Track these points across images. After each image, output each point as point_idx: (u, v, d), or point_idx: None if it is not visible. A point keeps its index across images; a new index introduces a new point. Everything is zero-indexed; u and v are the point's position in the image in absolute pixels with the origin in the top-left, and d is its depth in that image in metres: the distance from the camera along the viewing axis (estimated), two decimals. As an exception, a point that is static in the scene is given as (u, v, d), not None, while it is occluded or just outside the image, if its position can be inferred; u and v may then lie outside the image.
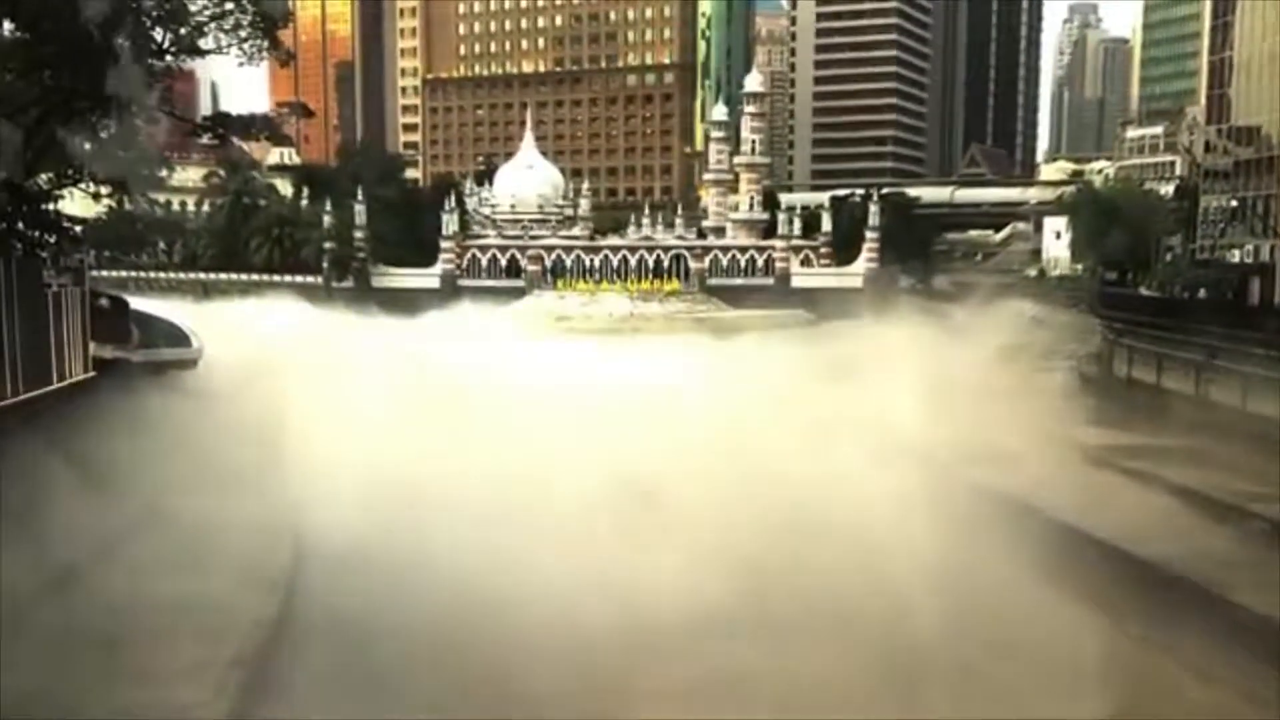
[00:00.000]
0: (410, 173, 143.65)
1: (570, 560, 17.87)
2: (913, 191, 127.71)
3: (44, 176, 21.47)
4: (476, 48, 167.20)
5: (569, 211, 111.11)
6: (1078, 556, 18.83)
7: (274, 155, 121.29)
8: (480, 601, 16.27)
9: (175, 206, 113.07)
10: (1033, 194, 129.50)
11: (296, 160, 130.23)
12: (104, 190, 22.06)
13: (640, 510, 20.78)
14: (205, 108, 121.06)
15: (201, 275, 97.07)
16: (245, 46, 20.69)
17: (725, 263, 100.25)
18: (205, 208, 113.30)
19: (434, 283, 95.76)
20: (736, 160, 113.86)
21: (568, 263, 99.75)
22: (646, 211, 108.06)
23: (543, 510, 20.79)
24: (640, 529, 19.72)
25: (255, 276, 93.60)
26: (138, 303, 38.91)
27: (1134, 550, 18.97)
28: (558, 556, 18.17)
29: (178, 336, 35.95)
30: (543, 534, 19.41)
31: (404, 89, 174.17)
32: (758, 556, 18.72)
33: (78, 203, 23.54)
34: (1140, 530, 19.98)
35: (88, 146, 20.38)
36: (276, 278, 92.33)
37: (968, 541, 19.10)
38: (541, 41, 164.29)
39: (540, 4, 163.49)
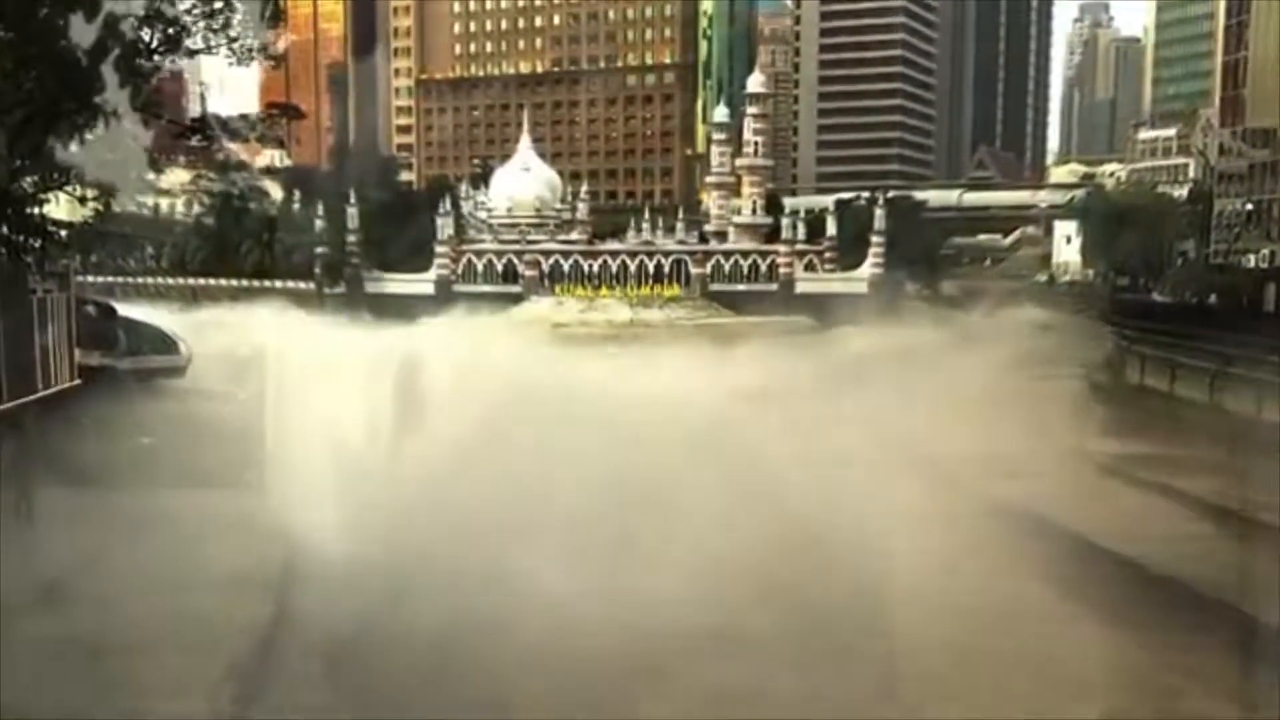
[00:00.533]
0: (404, 175, 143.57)
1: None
2: (919, 195, 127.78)
3: (29, 180, 21.46)
4: (472, 48, 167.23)
5: (567, 215, 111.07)
6: (1091, 570, 18.82)
7: (264, 157, 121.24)
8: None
9: (164, 209, 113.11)
10: (1042, 197, 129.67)
11: (288, 162, 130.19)
12: (90, 194, 22.04)
13: (636, 522, 20.68)
14: (194, 109, 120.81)
15: (190, 280, 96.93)
16: (235, 47, 20.68)
17: (727, 268, 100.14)
18: (195, 209, 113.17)
19: (428, 288, 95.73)
20: (739, 162, 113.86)
21: (566, 268, 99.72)
22: (646, 215, 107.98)
23: (530, 517, 20.72)
24: (635, 541, 19.62)
25: (245, 282, 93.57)
26: (125, 309, 38.94)
27: (1145, 562, 18.98)
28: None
29: (166, 343, 35.97)
30: (525, 540, 19.34)
31: (397, 90, 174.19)
32: (767, 574, 18.66)
33: (63, 207, 23.53)
34: (1153, 543, 19.99)
35: (74, 149, 20.37)
36: (268, 283, 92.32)
37: (980, 554, 19.09)
38: (539, 41, 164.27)
39: (537, 3, 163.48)
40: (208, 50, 20.80)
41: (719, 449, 26.98)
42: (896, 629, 16.40)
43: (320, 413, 27.04)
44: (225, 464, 22.07)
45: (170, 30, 19.81)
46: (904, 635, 16.26)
